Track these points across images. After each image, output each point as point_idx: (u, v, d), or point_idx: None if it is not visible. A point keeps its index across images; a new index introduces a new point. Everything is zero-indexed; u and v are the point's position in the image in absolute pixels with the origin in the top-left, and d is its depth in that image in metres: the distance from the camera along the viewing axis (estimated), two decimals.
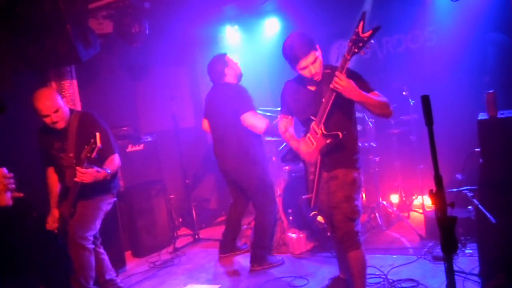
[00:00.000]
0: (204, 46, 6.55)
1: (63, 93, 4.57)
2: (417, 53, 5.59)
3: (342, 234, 3.08)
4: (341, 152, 3.08)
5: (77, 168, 3.39)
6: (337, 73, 2.80)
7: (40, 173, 4.45)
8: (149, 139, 5.49)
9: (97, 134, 3.35)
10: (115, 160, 3.70)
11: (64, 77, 4.61)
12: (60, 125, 3.59)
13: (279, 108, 5.15)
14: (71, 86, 4.64)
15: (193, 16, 5.53)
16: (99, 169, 3.47)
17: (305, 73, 3.04)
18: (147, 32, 4.88)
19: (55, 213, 3.72)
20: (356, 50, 2.74)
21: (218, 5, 5.69)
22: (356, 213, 3.07)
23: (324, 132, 3.00)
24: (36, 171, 4.43)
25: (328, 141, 2.99)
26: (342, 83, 2.78)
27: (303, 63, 2.98)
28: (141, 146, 5.34)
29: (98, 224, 3.70)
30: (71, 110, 3.77)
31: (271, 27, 6.53)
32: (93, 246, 3.67)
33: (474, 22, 5.04)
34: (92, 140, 3.34)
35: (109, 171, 3.53)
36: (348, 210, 3.04)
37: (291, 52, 3.02)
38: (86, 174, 3.38)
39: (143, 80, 6.05)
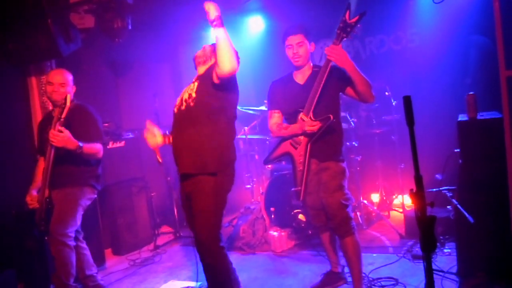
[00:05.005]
0: (188, 43, 6.51)
1: (43, 88, 4.50)
2: (399, 54, 5.65)
3: (339, 221, 3.20)
4: (330, 143, 3.23)
5: (51, 130, 3.39)
6: (332, 45, 3.01)
7: (19, 169, 4.39)
8: (131, 135, 5.43)
9: (68, 96, 3.37)
10: (96, 147, 3.64)
11: (45, 72, 4.55)
12: (56, 97, 3.65)
13: (262, 107, 5.18)
14: None
15: (177, 13, 5.49)
16: (72, 137, 3.42)
17: (289, 52, 3.28)
18: (130, 27, 4.82)
19: (33, 192, 3.69)
20: (344, 35, 3.00)
21: (202, 2, 5.65)
22: (348, 199, 3.25)
23: (313, 119, 3.13)
24: (15, 167, 4.37)
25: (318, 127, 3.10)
26: (337, 51, 2.98)
27: (290, 40, 3.26)
28: (122, 143, 5.28)
29: (78, 219, 3.65)
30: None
31: (255, 26, 6.53)
32: (74, 243, 3.62)
33: (456, 24, 5.11)
34: (63, 101, 3.37)
35: (81, 145, 3.46)
36: (342, 196, 3.21)
37: (285, 30, 3.32)
38: (58, 136, 3.36)
39: (125, 76, 5.98)
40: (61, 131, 3.36)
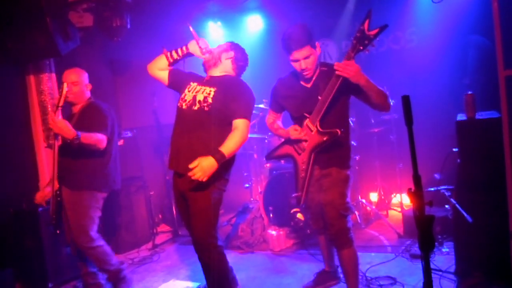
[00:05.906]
0: (186, 42, 6.48)
1: (41, 86, 4.50)
2: (398, 53, 5.64)
3: (335, 231, 3.08)
4: (336, 151, 3.08)
5: (49, 116, 3.39)
6: (344, 61, 2.76)
7: (17, 168, 4.38)
8: (129, 134, 5.43)
9: (65, 84, 3.43)
10: (97, 136, 3.52)
11: (43, 71, 4.54)
12: (70, 98, 3.63)
13: (261, 105, 5.18)
14: (50, 79, 4.57)
15: (176, 11, 5.48)
16: (69, 126, 3.34)
17: (296, 66, 3.02)
18: (129, 26, 4.82)
19: (45, 189, 3.71)
20: (361, 48, 2.73)
21: (201, 0, 5.65)
22: (348, 210, 3.09)
23: (320, 129, 2.96)
24: (13, 166, 4.36)
25: (324, 139, 2.94)
26: (350, 68, 2.73)
27: (295, 55, 2.97)
28: (121, 142, 5.28)
29: (96, 219, 3.63)
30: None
31: (254, 24, 6.53)
32: (102, 241, 3.64)
33: (455, 24, 5.11)
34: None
35: (79, 135, 3.36)
36: (342, 206, 3.06)
37: (287, 41, 2.98)
38: (55, 123, 3.33)
39: (123, 75, 5.97)
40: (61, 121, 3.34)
